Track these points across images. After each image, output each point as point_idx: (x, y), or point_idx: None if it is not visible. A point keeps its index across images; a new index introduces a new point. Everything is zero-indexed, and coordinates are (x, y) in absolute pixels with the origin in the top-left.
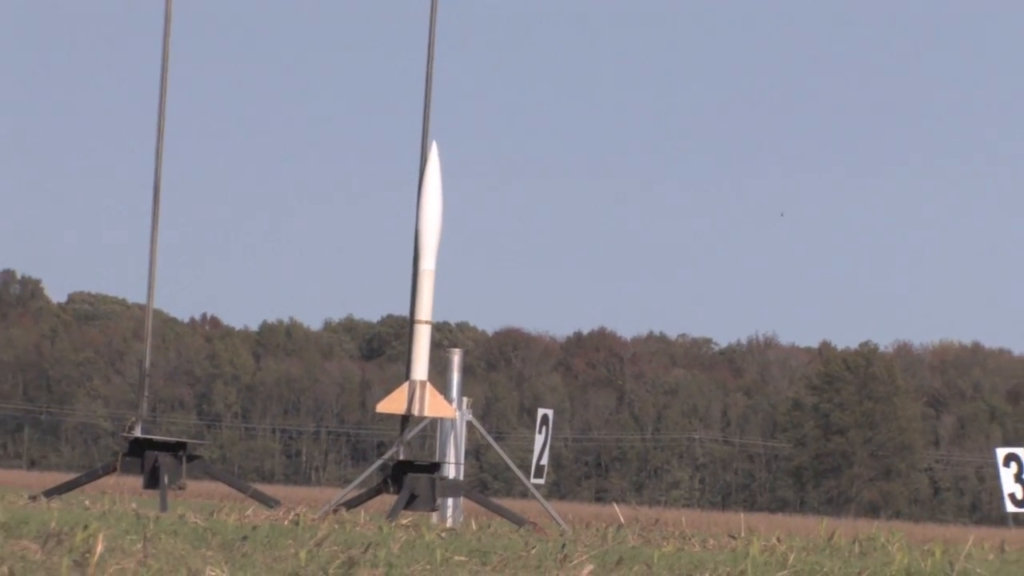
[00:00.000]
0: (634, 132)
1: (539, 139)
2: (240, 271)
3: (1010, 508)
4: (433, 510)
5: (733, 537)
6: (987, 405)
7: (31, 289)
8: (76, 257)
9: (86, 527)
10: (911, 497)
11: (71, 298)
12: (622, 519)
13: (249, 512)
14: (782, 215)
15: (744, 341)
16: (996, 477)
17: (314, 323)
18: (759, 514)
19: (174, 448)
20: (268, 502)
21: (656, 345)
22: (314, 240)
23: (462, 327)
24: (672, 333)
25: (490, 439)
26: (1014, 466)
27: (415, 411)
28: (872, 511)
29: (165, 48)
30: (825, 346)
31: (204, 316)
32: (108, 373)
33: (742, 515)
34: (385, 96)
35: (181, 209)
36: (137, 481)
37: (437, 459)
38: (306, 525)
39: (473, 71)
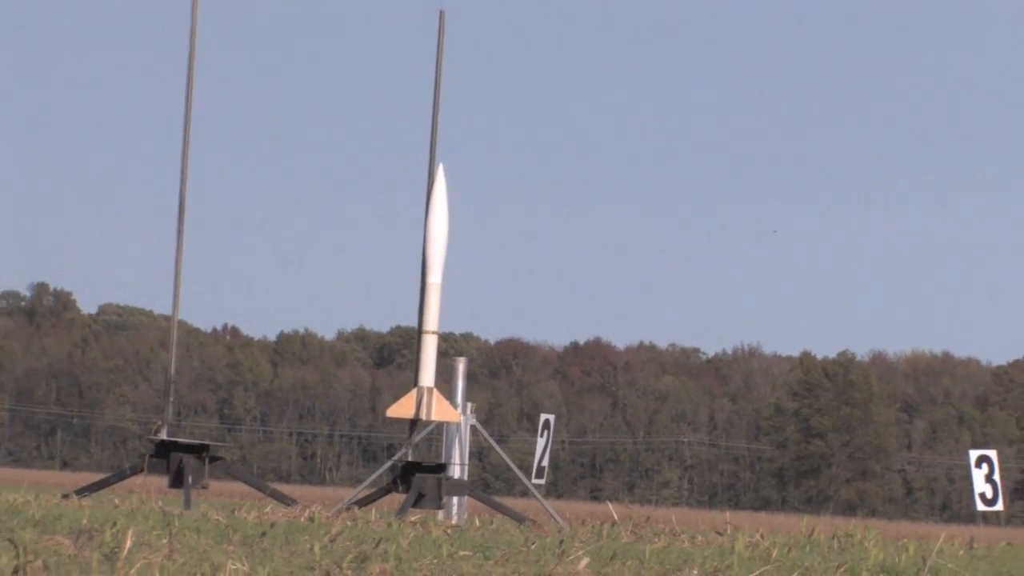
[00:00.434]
0: (628, 151)
1: (539, 162)
2: (259, 284)
3: (980, 507)
4: (439, 508)
5: (719, 533)
6: (956, 410)
7: (63, 301)
8: (106, 271)
9: (115, 524)
10: (886, 496)
11: (101, 309)
12: (616, 517)
13: (268, 510)
14: (775, 232)
15: (730, 350)
16: (967, 478)
17: (328, 333)
18: (743, 512)
19: (197, 450)
20: (285, 501)
21: (647, 354)
22: (328, 256)
23: (466, 337)
24: (662, 343)
25: (492, 442)
26: (985, 467)
27: (423, 415)
28: (849, 509)
29: (190, 73)
30: (805, 355)
31: (225, 326)
32: (136, 380)
33: (727, 513)
34: (396, 120)
35: (204, 225)
36: (163, 481)
37: (443, 460)
38: (321, 522)
39: (476, 90)
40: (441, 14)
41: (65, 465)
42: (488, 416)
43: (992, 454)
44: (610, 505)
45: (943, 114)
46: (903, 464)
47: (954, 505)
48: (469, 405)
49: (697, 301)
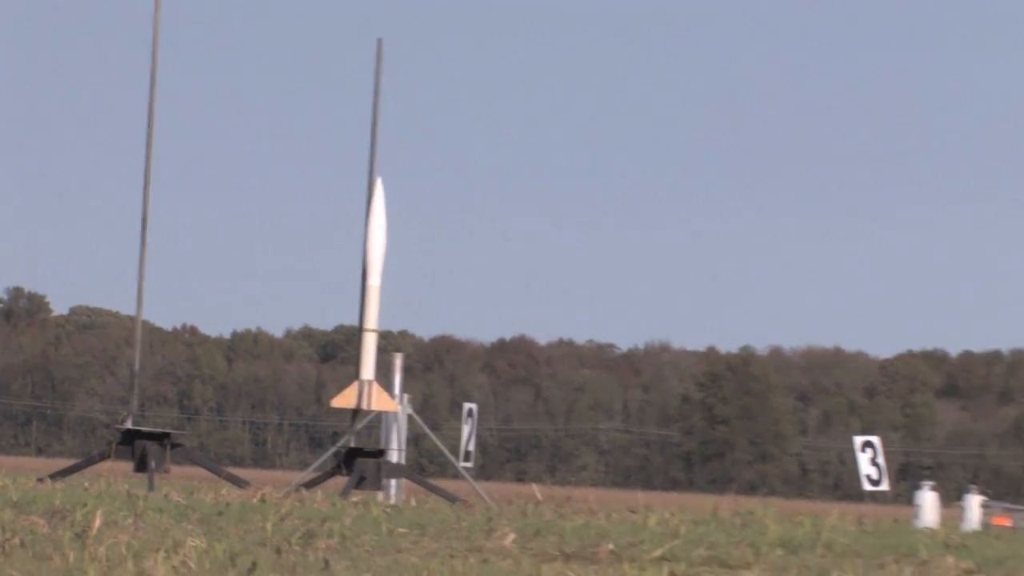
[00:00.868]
0: (543, 158)
1: (469, 175)
2: (215, 287)
3: (867, 487)
4: (379, 489)
5: (633, 512)
6: (847, 400)
7: (37, 303)
8: (76, 275)
9: (85, 505)
10: (783, 478)
11: (72, 311)
12: (539, 497)
13: (224, 492)
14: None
15: (642, 345)
16: (855, 460)
17: (277, 331)
18: (655, 492)
19: (159, 438)
20: (239, 483)
21: (567, 349)
22: (278, 261)
23: (403, 334)
24: (581, 339)
25: (427, 429)
26: (869, 451)
27: (364, 405)
28: (750, 489)
29: (152, 91)
30: (710, 350)
31: (184, 325)
32: (103, 374)
33: (640, 493)
34: (337, 138)
35: (166, 234)
36: (128, 466)
37: (382, 446)
38: (272, 503)
39: (411, 110)
40: (379, 42)
41: (40, 452)
42: (423, 406)
43: (876, 440)
44: (534, 486)
45: (837, 114)
46: (799, 448)
47: (845, 485)
48: (405, 396)
49: (613, 300)
